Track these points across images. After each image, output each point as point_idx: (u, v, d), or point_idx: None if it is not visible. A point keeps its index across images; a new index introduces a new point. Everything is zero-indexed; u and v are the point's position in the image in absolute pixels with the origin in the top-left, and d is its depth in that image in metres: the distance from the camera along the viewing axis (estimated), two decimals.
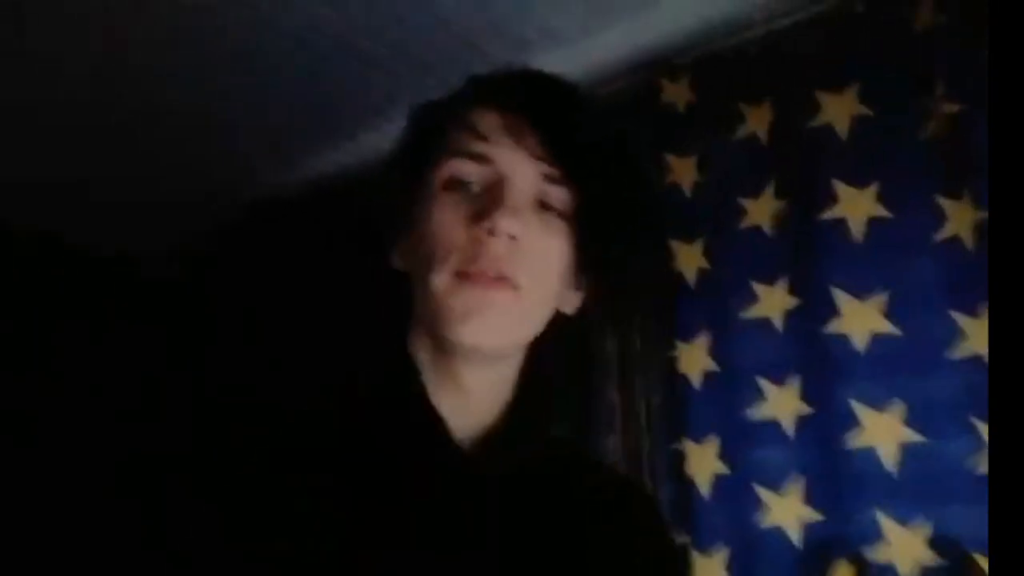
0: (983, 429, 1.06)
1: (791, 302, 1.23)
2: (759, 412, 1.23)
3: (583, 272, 0.74)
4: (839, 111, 1.24)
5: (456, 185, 0.71)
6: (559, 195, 0.70)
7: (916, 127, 1.18)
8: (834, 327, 1.17)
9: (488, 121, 0.71)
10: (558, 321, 0.75)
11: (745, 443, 1.22)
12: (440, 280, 0.68)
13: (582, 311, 0.77)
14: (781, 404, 1.22)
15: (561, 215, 0.71)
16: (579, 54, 1.51)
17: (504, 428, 0.76)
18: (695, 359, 1.30)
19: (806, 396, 1.21)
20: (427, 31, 1.47)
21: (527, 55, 1.47)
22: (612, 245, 0.73)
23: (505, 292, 0.68)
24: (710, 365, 1.28)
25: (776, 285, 1.25)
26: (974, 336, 1.09)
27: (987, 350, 1.07)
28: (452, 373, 0.73)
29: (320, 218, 1.81)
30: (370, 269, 0.81)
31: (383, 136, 1.59)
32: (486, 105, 0.72)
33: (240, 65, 1.55)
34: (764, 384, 1.23)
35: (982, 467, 1.06)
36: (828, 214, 1.19)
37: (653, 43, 1.49)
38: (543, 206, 0.71)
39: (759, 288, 1.26)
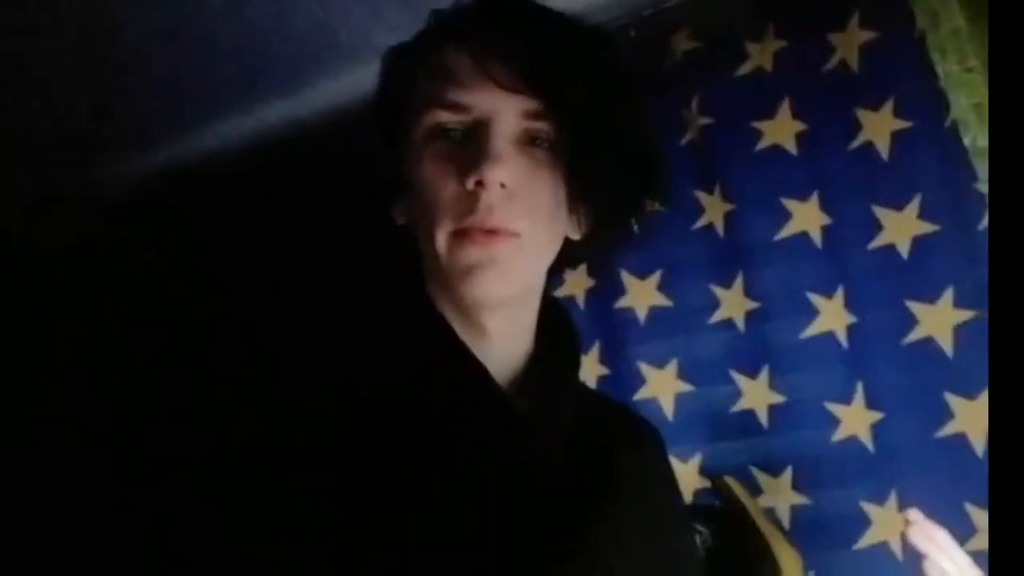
0: (740, 379, 1.33)
1: (589, 283, 1.43)
2: None
3: (578, 199, 0.70)
4: None
5: (438, 135, 0.68)
6: (542, 127, 0.67)
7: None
8: (622, 303, 1.40)
9: (459, 63, 0.67)
10: (570, 248, 0.74)
11: None
12: (440, 239, 0.67)
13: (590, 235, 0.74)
14: (585, 368, 1.43)
15: (547, 146, 0.68)
16: None
17: (533, 371, 0.75)
18: None
19: (604, 359, 1.42)
20: None
21: None
22: (602, 171, 0.69)
23: (505, 243, 0.66)
24: None
25: (578, 270, 1.44)
26: (727, 303, 1.34)
27: (740, 314, 1.33)
28: (473, 321, 0.71)
29: (306, 174, 1.67)
30: (375, 226, 0.77)
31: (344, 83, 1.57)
32: (455, 44, 0.68)
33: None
34: None
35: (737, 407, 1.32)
36: None
37: None
38: (528, 140, 0.68)
39: (568, 274, 1.41)
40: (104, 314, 1.75)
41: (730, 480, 1.27)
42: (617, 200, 0.73)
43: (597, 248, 0.79)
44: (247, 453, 0.61)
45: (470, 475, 0.66)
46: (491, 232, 0.65)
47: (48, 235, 1.93)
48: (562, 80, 0.66)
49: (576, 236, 0.73)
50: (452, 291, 0.69)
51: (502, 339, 0.73)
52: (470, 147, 0.66)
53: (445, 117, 0.67)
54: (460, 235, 0.66)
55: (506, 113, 0.66)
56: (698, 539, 1.24)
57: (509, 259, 0.66)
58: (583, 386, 0.84)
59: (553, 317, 0.79)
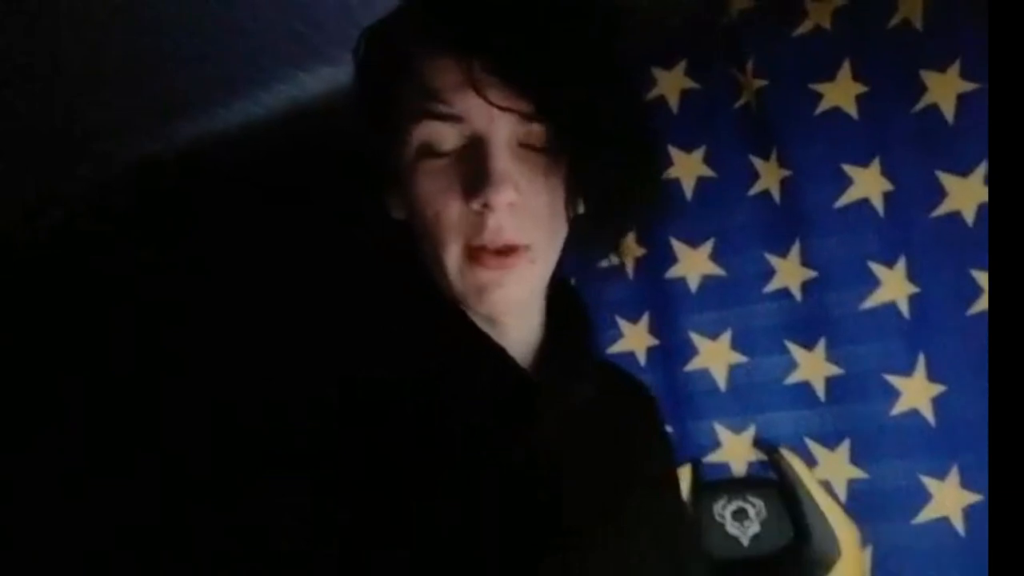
0: (795, 350, 1.30)
1: (639, 252, 1.41)
2: (618, 347, 1.41)
3: (577, 194, 0.69)
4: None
5: (432, 149, 0.66)
6: (537, 130, 0.65)
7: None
8: (673, 272, 1.37)
9: (445, 75, 0.64)
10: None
11: None
12: (451, 259, 0.66)
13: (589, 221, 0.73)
14: (635, 339, 1.42)
15: (542, 147, 0.66)
16: None
17: (546, 350, 0.76)
18: None
19: (654, 330, 1.40)
20: None
21: None
22: (601, 165, 0.67)
23: (518, 259, 0.65)
24: None
25: (627, 238, 1.43)
26: (783, 273, 1.30)
27: (797, 284, 1.30)
28: (486, 321, 0.71)
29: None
30: (372, 218, 0.76)
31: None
32: (438, 47, 0.65)
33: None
34: (621, 322, 1.42)
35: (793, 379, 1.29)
36: (664, 176, 1.35)
37: None
38: (524, 143, 0.66)
39: None
40: (94, 311, 1.75)
41: (785, 452, 1.25)
42: (616, 189, 0.71)
43: (596, 233, 0.77)
44: (259, 444, 0.61)
45: (495, 453, 0.67)
46: (503, 253, 0.65)
47: (39, 231, 1.93)
48: (553, 81, 0.63)
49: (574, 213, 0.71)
50: (462, 303, 0.69)
51: (514, 328, 0.73)
52: (470, 164, 0.64)
53: (439, 129, 0.65)
54: (472, 255, 0.65)
55: (501, 123, 0.64)
56: (751, 510, 1.23)
57: (521, 274, 0.66)
58: (595, 358, 0.84)
59: (561, 294, 0.79)
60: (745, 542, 1.23)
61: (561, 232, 0.71)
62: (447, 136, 0.65)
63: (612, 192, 0.70)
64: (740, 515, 1.23)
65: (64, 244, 1.89)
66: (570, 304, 0.80)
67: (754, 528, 1.22)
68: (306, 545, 0.59)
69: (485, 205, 0.63)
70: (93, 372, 1.58)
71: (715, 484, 1.29)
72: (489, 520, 0.64)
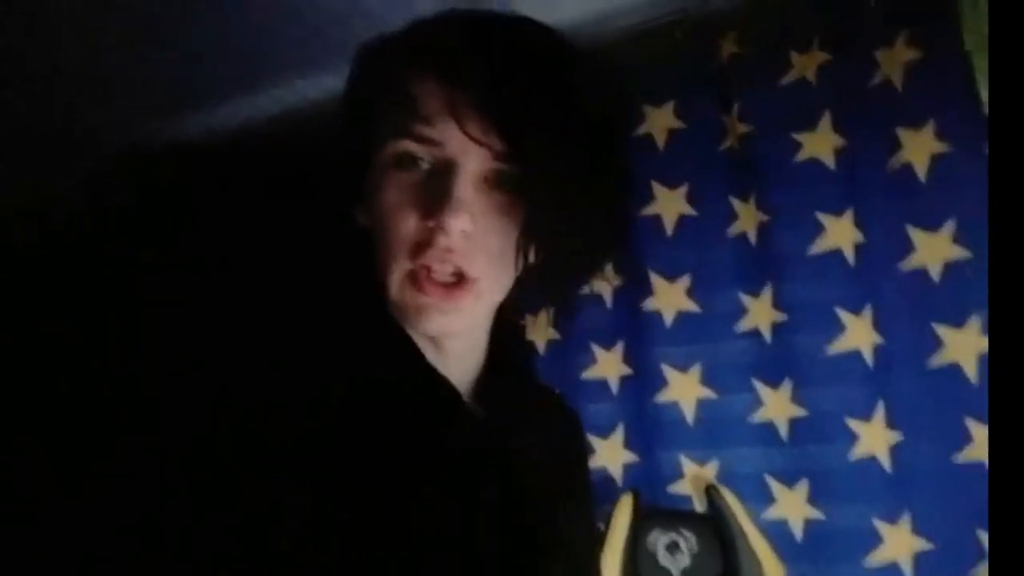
0: (762, 389, 1.33)
1: (616, 282, 1.43)
2: (591, 372, 1.45)
3: (530, 243, 0.70)
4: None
5: (406, 161, 0.68)
6: (507, 171, 0.67)
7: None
8: (649, 304, 1.40)
9: (431, 97, 0.66)
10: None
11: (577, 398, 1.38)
12: (395, 272, 0.68)
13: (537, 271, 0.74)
14: (608, 366, 1.44)
15: (508, 189, 0.68)
16: None
17: (488, 380, 0.78)
18: (540, 329, 1.47)
19: (627, 359, 1.43)
20: None
21: None
22: (560, 222, 0.69)
23: (464, 292, 0.67)
24: (552, 334, 1.47)
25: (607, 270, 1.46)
26: (755, 313, 1.34)
27: (767, 325, 1.34)
28: (431, 339, 0.73)
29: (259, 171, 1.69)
30: (337, 227, 0.78)
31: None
32: (428, 72, 0.67)
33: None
34: (595, 349, 1.45)
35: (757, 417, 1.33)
36: (647, 210, 1.41)
37: None
38: (492, 181, 0.68)
39: None
40: (94, 311, 1.75)
41: (721, 488, 1.29)
42: (568, 246, 0.73)
43: (544, 283, 0.78)
44: (222, 455, 0.61)
45: (435, 478, 0.67)
46: (446, 284, 0.67)
47: (39, 231, 1.93)
48: (530, 127, 0.65)
49: (519, 271, 0.73)
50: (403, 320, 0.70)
51: (456, 355, 0.75)
52: (435, 184, 0.66)
53: (413, 148, 0.67)
54: (415, 278, 0.67)
55: (475, 154, 0.66)
56: (683, 544, 1.26)
57: (464, 303, 0.68)
58: (530, 379, 0.88)
59: (503, 327, 0.81)
60: (676, 574, 1.26)
61: (509, 274, 0.72)
62: (421, 153, 0.67)
63: (562, 248, 0.72)
64: (673, 547, 1.26)
65: (64, 244, 1.90)
66: (511, 331, 0.83)
67: (685, 561, 1.25)
68: (306, 545, 0.59)
69: (439, 226, 0.64)
70: (92, 371, 1.59)
71: (650, 515, 1.31)
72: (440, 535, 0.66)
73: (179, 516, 0.60)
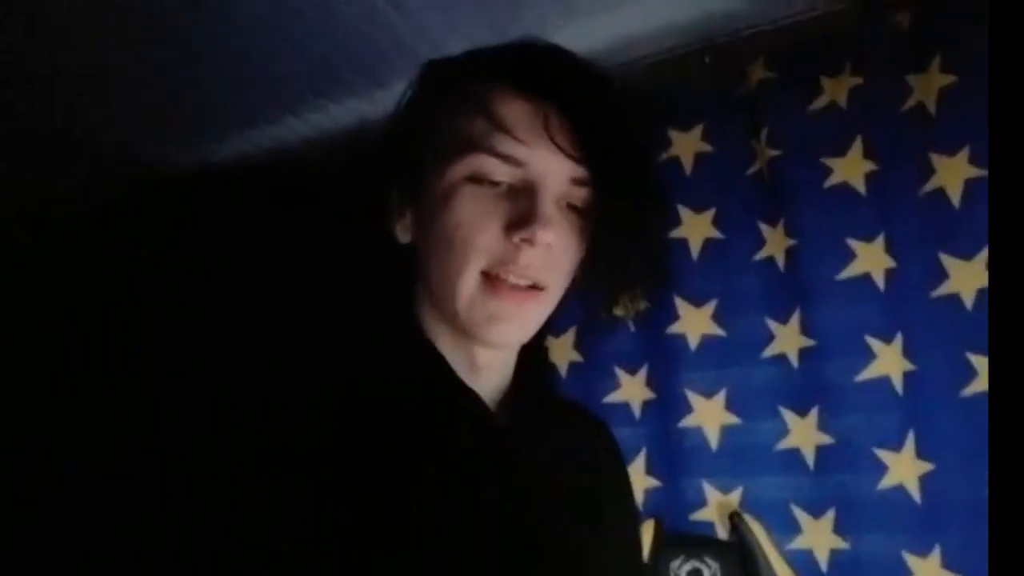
0: (788, 416, 1.31)
1: (643, 304, 1.44)
2: (614, 396, 1.43)
3: (590, 264, 0.73)
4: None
5: (481, 179, 0.68)
6: (582, 195, 0.70)
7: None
8: (674, 328, 1.39)
9: (515, 112, 0.68)
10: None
11: None
12: (467, 280, 0.68)
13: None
14: (631, 390, 1.43)
15: (580, 211, 0.70)
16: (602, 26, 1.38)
17: (515, 397, 0.78)
18: (563, 351, 1.47)
19: (651, 383, 1.42)
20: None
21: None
22: (624, 246, 0.72)
23: (533, 300, 0.69)
24: (575, 356, 1.47)
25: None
26: (782, 339, 1.33)
27: (795, 351, 1.32)
28: (467, 352, 0.74)
29: (298, 186, 1.69)
30: (371, 240, 0.79)
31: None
32: (509, 89, 0.68)
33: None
34: (619, 372, 1.44)
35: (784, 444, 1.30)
36: (673, 234, 1.38)
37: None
38: (566, 203, 0.70)
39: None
40: (94, 310, 1.76)
41: (746, 516, 1.27)
42: (623, 275, 0.76)
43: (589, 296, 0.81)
44: (222, 455, 0.62)
45: (464, 492, 0.68)
46: (524, 290, 0.68)
47: (39, 231, 1.95)
48: (612, 154, 0.68)
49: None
50: (461, 327, 0.70)
51: (489, 369, 0.76)
52: (517, 202, 0.68)
53: (494, 166, 0.68)
54: (492, 282, 0.68)
55: (557, 175, 0.68)
56: (706, 571, 1.24)
57: (531, 313, 0.70)
58: (553, 394, 0.90)
59: (528, 345, 0.80)
60: None
61: (565, 287, 0.74)
62: (500, 172, 0.68)
63: (620, 268, 0.74)
64: (695, 574, 1.24)
65: (64, 244, 1.91)
66: (537, 351, 0.83)
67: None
68: (306, 545, 0.59)
69: (526, 240, 0.66)
70: (93, 371, 1.59)
71: (674, 541, 1.30)
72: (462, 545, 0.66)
73: (179, 516, 0.60)
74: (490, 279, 0.68)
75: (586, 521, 0.78)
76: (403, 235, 0.76)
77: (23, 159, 1.78)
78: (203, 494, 0.60)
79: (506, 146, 0.67)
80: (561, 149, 0.66)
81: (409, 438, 0.67)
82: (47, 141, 1.73)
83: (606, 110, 0.69)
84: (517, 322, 0.69)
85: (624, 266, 0.74)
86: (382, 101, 1.55)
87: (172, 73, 1.49)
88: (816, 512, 1.25)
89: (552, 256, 0.68)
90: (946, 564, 1.15)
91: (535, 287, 0.69)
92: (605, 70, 0.73)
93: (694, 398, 1.36)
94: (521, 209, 0.67)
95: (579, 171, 0.68)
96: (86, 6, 1.27)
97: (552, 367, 0.86)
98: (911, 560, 1.17)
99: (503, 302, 0.68)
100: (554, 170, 0.68)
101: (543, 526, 0.72)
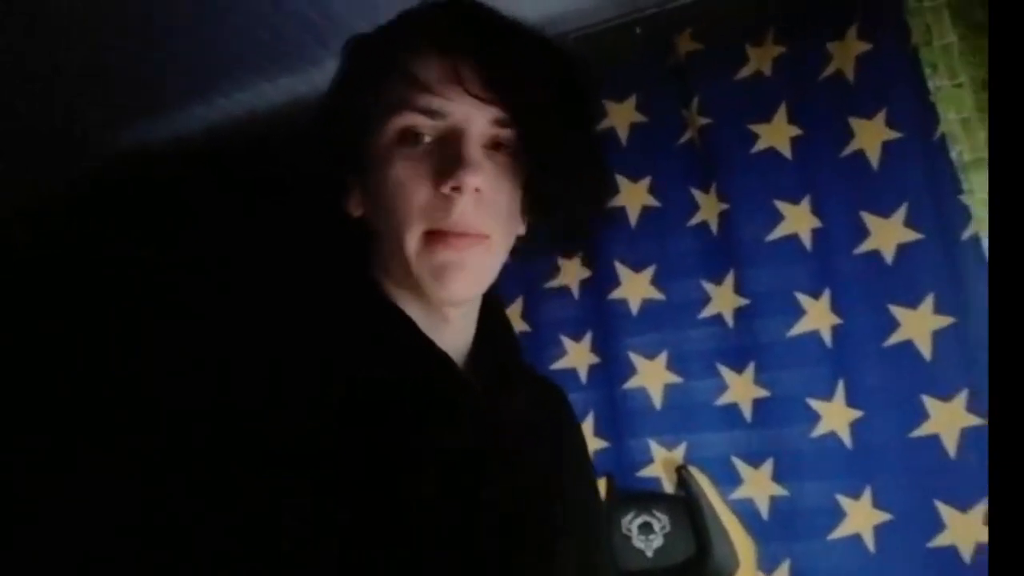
0: (726, 373, 1.37)
1: (584, 273, 1.48)
2: (562, 363, 1.48)
3: (531, 202, 0.74)
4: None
5: (409, 138, 0.70)
6: (507, 135, 0.71)
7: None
8: (616, 294, 1.44)
9: (431, 68, 0.69)
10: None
11: None
12: (411, 241, 0.69)
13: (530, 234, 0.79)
14: (577, 356, 1.48)
15: (508, 152, 0.71)
16: None
17: (480, 353, 0.80)
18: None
19: (595, 348, 1.47)
20: None
21: None
22: (557, 181, 0.72)
23: (478, 246, 0.70)
24: (523, 326, 1.51)
25: (574, 260, 1.47)
26: (718, 299, 1.38)
27: (730, 310, 1.38)
28: (433, 310, 0.74)
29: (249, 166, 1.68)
30: (327, 217, 0.80)
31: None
32: (426, 48, 0.70)
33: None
34: (565, 340, 1.48)
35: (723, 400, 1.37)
36: (611, 203, 1.44)
37: None
38: (493, 146, 0.71)
39: (561, 262, 1.48)
40: (94, 310, 1.75)
41: (693, 469, 1.33)
42: (564, 207, 0.76)
43: (536, 246, 0.82)
44: (222, 455, 0.61)
45: (441, 460, 0.68)
46: (466, 236, 0.69)
47: (39, 231, 1.92)
48: (529, 92, 0.69)
49: (521, 232, 0.78)
50: (419, 289, 0.72)
51: (456, 327, 0.77)
52: (444, 153, 0.69)
53: (418, 121, 0.69)
54: (432, 237, 0.69)
55: (478, 120, 0.69)
56: (656, 524, 1.30)
57: (479, 260, 0.71)
58: (517, 353, 0.89)
59: (491, 307, 0.83)
60: (650, 554, 1.29)
61: (512, 235, 0.76)
62: (424, 127, 0.69)
63: (562, 205, 0.75)
64: (646, 528, 1.30)
65: (64, 243, 1.89)
66: (498, 315, 0.85)
67: (658, 541, 1.29)
68: (306, 545, 0.59)
69: (455, 188, 0.67)
70: (92, 371, 1.59)
71: (625, 498, 1.35)
72: (447, 518, 0.67)
73: (180, 516, 0.60)
74: (434, 235, 0.69)
75: (557, 481, 0.81)
76: (356, 209, 0.77)
77: (23, 159, 1.77)
78: (203, 494, 0.60)
79: (424, 100, 0.69)
80: (473, 94, 0.68)
81: (391, 430, 0.67)
82: (47, 141, 1.72)
83: (517, 51, 0.70)
84: (467, 270, 0.70)
85: (559, 198, 0.74)
86: (315, 80, 1.56)
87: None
88: (755, 462, 1.32)
89: (485, 201, 0.69)
90: (876, 503, 1.23)
91: (478, 235, 0.70)
92: (522, 22, 0.74)
93: (637, 360, 1.41)
94: (447, 159, 0.68)
95: (499, 113, 0.69)
96: (86, 6, 1.26)
97: (512, 331, 0.86)
98: (844, 502, 1.25)
99: (449, 249, 0.69)
100: (474, 115, 0.69)
101: (520, 477, 0.74)
